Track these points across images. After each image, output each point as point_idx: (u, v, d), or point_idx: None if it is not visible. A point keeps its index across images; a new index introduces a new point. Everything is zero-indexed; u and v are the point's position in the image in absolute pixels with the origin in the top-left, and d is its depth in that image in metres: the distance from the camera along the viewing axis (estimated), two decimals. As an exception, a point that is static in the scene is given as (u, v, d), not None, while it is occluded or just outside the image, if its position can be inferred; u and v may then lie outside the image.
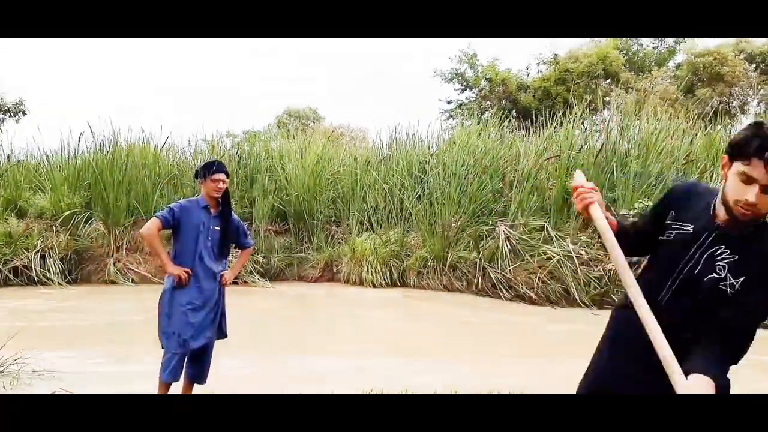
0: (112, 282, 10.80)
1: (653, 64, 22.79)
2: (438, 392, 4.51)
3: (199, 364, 4.18)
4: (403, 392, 4.53)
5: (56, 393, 4.39)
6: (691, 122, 12.04)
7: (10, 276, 10.36)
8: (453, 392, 4.51)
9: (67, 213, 11.21)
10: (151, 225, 4.05)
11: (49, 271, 10.49)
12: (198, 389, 4.28)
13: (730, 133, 12.16)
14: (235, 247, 4.48)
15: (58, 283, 10.42)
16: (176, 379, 4.09)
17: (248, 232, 4.72)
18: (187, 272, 4.03)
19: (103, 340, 6.79)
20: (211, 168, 4.16)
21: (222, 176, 4.17)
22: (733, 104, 19.60)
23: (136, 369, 5.28)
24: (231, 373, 5.01)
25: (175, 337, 4.01)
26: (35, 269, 10.42)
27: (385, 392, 4.53)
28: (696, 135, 11.53)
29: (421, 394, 3.88)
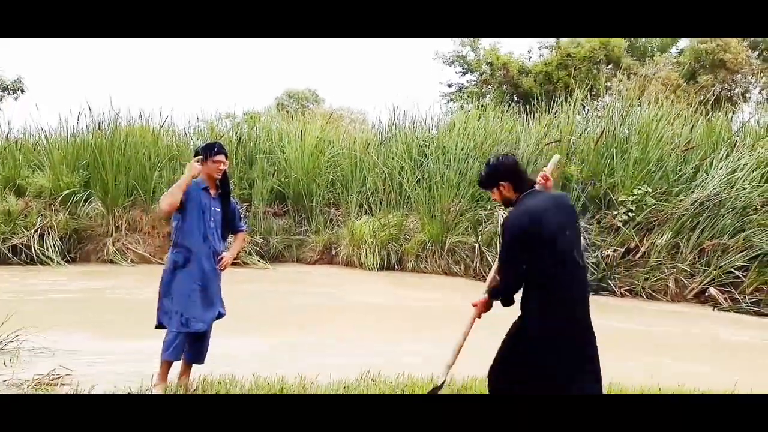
0: (111, 262, 10.82)
1: (655, 49, 22.63)
2: (434, 374, 4.55)
3: (198, 345, 4.21)
4: (399, 374, 4.57)
5: (49, 394, 4.41)
6: (692, 109, 11.97)
7: (9, 254, 10.38)
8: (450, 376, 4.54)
9: (65, 192, 11.19)
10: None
11: (48, 250, 10.50)
12: (196, 369, 4.31)
13: (731, 120, 12.12)
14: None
15: (57, 262, 10.43)
16: (178, 359, 4.13)
17: (242, 215, 4.77)
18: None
19: (103, 319, 6.83)
20: (212, 149, 4.18)
21: (222, 158, 4.19)
22: (735, 91, 19.49)
23: (137, 348, 5.31)
24: (229, 353, 5.04)
25: (177, 317, 4.04)
26: (34, 248, 10.43)
27: (380, 373, 4.57)
28: (697, 122, 11.49)
29: (419, 394, 3.91)
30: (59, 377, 4.33)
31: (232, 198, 4.41)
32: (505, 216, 3.10)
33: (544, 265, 2.96)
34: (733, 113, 14.53)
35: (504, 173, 3.13)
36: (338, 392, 4.18)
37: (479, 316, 3.27)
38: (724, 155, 10.25)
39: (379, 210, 11.75)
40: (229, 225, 4.38)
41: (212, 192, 4.22)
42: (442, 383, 3.44)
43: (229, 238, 4.71)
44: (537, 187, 3.26)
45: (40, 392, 4.05)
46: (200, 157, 4.14)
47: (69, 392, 4.02)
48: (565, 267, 2.98)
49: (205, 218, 4.16)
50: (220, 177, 4.22)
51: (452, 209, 10.80)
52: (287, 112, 17.20)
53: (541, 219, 2.97)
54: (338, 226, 11.97)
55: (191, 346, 4.18)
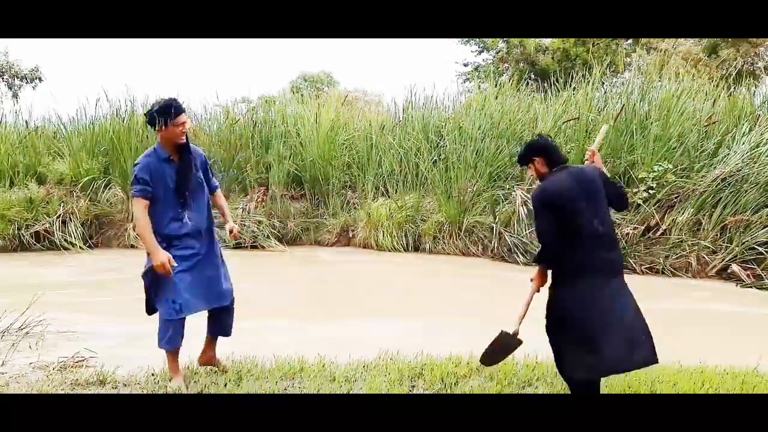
0: (132, 246, 10.95)
1: (676, 23, 22.17)
2: (452, 354, 4.56)
3: (219, 321, 4.07)
4: (418, 354, 4.58)
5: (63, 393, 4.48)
6: (714, 83, 11.70)
7: (32, 241, 10.55)
8: (468, 355, 4.55)
9: (86, 179, 11.33)
10: (142, 213, 3.63)
11: (70, 236, 10.66)
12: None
13: (753, 94, 11.83)
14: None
15: (80, 247, 10.59)
16: (177, 347, 3.86)
17: (213, 172, 4.21)
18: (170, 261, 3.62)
19: (126, 302, 6.91)
20: (169, 111, 3.63)
21: (185, 117, 3.71)
22: (758, 65, 19.05)
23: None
24: (252, 334, 5.08)
25: (169, 303, 3.74)
26: (57, 234, 10.59)
27: (399, 354, 4.58)
28: (719, 96, 11.24)
29: (421, 394, 3.90)
30: (84, 359, 4.41)
31: (197, 151, 3.95)
32: (533, 190, 3.49)
33: (562, 236, 3.34)
34: (756, 87, 14.19)
35: (537, 150, 3.57)
36: (357, 371, 4.21)
37: (538, 290, 3.60)
38: (747, 130, 10.03)
39: (396, 192, 11.72)
40: (204, 187, 3.91)
41: (175, 160, 3.70)
42: (514, 333, 3.66)
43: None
44: (586, 162, 3.77)
45: (66, 374, 4.13)
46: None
47: (93, 374, 4.08)
48: (581, 238, 3.33)
49: (174, 194, 3.70)
50: (184, 140, 3.71)
51: (469, 189, 10.73)
52: (302, 95, 17.14)
53: (560, 193, 3.37)
54: (355, 208, 11.96)
55: (213, 322, 4.08)
